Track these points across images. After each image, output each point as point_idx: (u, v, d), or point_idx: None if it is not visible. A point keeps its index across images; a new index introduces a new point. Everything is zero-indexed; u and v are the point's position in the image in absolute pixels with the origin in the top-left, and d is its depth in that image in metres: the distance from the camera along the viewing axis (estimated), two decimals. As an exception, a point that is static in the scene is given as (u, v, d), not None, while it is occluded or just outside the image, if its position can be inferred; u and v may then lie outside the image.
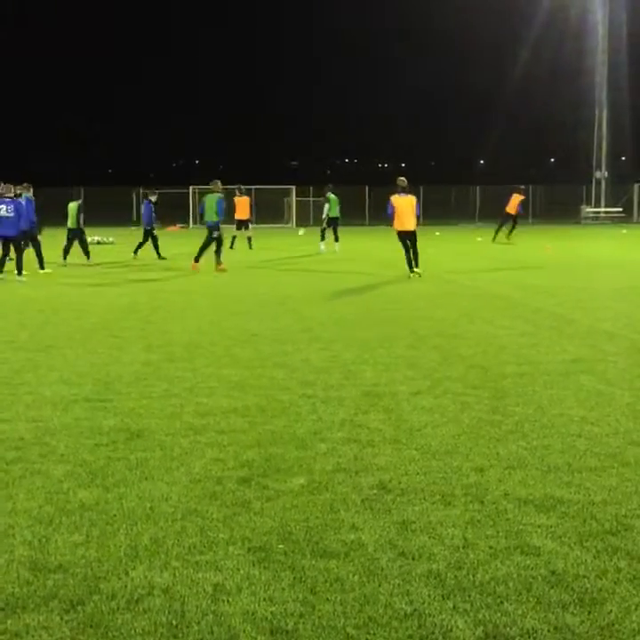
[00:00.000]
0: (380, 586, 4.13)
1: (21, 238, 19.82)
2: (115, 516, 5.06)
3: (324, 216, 29.51)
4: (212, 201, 21.93)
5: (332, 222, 29.23)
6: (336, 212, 29.36)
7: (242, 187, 32.67)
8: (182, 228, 27.01)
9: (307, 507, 5.20)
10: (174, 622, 3.79)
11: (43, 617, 3.83)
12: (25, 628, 3.73)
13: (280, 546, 4.61)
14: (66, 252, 24.08)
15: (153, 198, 26.56)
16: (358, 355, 10.05)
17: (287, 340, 11.10)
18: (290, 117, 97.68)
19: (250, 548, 4.58)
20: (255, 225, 37.76)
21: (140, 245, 25.98)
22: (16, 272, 19.33)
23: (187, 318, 13.29)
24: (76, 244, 24.06)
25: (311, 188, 58.32)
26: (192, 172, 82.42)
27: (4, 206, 18.97)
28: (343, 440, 6.57)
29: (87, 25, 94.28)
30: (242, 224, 31.14)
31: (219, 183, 22.49)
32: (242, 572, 4.30)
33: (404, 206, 19.74)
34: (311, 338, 11.34)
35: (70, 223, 23.96)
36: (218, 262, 21.59)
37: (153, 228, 25.92)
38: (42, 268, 21.08)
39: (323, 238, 29.29)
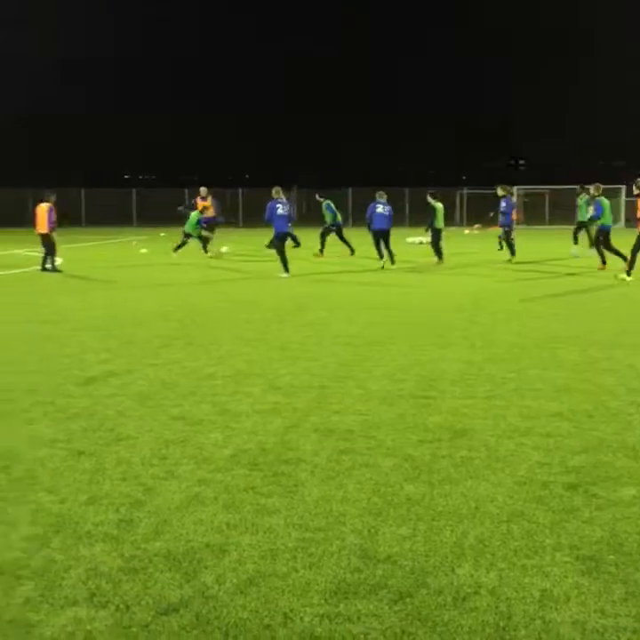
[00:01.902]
0: None
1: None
2: (440, 512, 5.11)
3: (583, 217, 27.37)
4: None
5: (583, 225, 27.16)
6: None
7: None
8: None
9: (639, 518, 4.96)
10: (501, 624, 3.76)
11: (373, 605, 3.94)
12: (356, 614, 3.85)
13: (610, 557, 4.43)
14: (439, 251, 24.57)
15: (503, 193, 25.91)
16: (694, 362, 9.46)
17: (614, 345, 10.68)
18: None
19: (578, 557, 4.44)
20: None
21: (511, 246, 25.59)
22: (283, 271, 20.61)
23: (510, 320, 13.17)
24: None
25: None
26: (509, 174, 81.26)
27: (280, 205, 21.02)
28: (678, 452, 6.21)
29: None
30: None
31: None
32: (570, 580, 4.18)
33: None
34: (637, 343, 10.84)
35: (438, 223, 24.38)
36: None
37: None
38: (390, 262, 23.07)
39: (576, 241, 27.42)
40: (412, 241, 30.14)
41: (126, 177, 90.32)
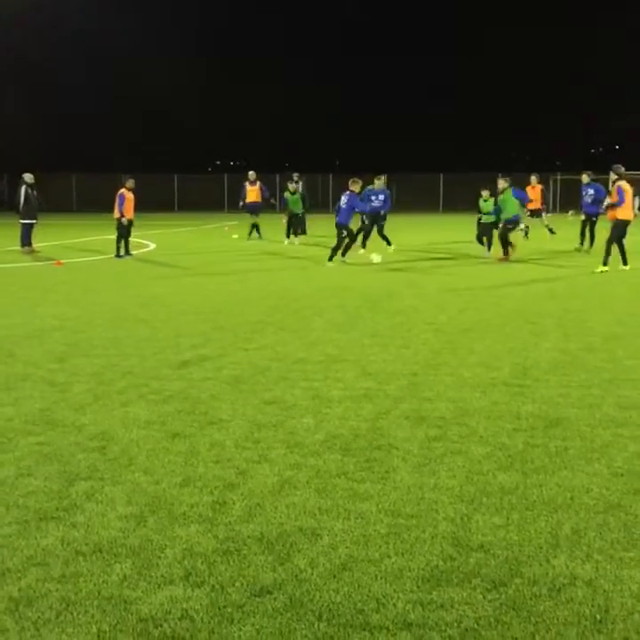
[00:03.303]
0: None
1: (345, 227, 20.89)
2: (534, 502, 5.04)
3: None
4: None
5: None
6: None
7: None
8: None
9: None
10: (598, 617, 3.69)
11: (466, 593, 3.91)
12: (449, 601, 3.83)
13: None
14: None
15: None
16: None
17: None
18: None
19: (678, 551, 4.34)
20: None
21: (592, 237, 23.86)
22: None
23: (606, 308, 12.90)
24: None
25: None
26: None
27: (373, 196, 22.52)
28: None
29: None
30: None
31: None
32: (670, 574, 4.08)
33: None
34: None
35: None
36: None
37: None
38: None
39: None
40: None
41: (217, 163, 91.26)
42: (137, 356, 9.37)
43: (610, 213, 18.75)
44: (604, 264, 18.08)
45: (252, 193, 29.65)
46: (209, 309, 12.98)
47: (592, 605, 3.79)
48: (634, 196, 24.23)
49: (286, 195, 28.52)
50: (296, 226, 28.31)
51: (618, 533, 4.57)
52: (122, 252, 22.57)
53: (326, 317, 12.08)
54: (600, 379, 8.10)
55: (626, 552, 4.34)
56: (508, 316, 12.06)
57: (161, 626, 3.66)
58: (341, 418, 6.85)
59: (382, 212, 23.23)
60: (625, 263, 18.41)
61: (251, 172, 30.39)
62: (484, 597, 3.87)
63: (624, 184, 18.59)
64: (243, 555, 4.34)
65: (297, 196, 28.11)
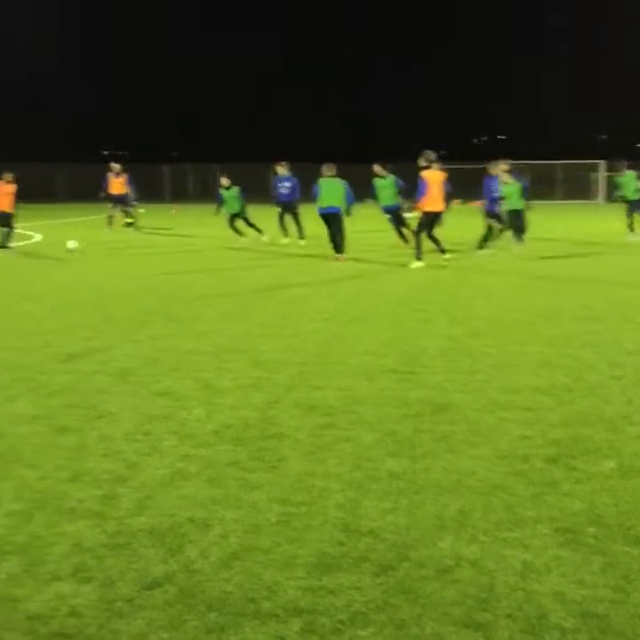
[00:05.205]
0: (700, 580, 3.92)
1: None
2: (422, 486, 5.15)
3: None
4: None
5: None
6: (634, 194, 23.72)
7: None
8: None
9: (617, 491, 5.02)
10: (483, 595, 3.80)
11: (355, 578, 3.97)
12: (339, 587, 3.89)
13: (590, 529, 4.48)
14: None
15: None
16: (672, 337, 9.55)
17: (596, 319, 10.75)
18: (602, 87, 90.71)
19: (558, 529, 4.49)
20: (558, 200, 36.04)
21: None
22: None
23: (491, 295, 13.22)
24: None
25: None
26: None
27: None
28: (656, 425, 6.28)
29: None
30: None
31: None
32: (550, 552, 4.23)
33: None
34: (622, 318, 10.91)
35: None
36: None
37: None
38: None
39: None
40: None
41: (105, 153, 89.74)
42: (23, 349, 9.17)
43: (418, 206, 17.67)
44: (418, 258, 17.06)
45: (116, 184, 29.29)
46: (97, 301, 12.78)
47: (477, 585, 3.90)
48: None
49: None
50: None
51: (501, 514, 4.71)
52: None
53: (216, 307, 12.05)
54: (485, 364, 8.30)
55: (509, 532, 4.47)
56: (396, 304, 12.24)
57: (49, 623, 3.61)
58: (232, 408, 6.85)
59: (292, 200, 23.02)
60: (443, 252, 17.70)
61: (115, 164, 29.98)
62: (373, 581, 3.94)
63: (426, 174, 17.31)
64: (133, 548, 4.31)
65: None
